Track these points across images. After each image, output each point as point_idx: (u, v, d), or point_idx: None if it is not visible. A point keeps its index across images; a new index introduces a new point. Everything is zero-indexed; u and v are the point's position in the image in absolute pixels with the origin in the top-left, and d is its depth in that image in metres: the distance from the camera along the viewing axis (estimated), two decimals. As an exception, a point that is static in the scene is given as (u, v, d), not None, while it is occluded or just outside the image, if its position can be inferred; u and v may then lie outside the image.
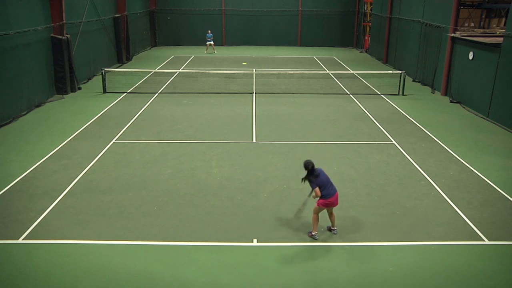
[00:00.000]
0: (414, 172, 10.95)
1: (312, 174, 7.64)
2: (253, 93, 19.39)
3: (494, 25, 20.15)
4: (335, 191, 7.78)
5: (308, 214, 8.45)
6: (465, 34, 18.26)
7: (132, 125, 14.60)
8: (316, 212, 7.88)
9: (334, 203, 7.82)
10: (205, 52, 32.59)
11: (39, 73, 17.00)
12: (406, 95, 19.40)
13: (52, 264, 7.15)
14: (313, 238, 7.97)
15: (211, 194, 9.67)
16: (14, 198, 9.35)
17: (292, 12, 37.26)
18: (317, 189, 7.60)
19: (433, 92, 20.15)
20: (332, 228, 8.23)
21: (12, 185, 9.95)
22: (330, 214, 8.12)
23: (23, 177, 10.41)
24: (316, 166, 7.76)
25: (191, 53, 32.53)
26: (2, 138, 13.16)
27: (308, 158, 7.94)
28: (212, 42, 32.41)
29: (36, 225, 8.31)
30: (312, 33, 37.75)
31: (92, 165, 11.20)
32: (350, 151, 12.34)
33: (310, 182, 7.67)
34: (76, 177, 10.44)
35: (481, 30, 19.04)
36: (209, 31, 32.98)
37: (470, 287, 6.74)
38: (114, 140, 13.05)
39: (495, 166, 11.45)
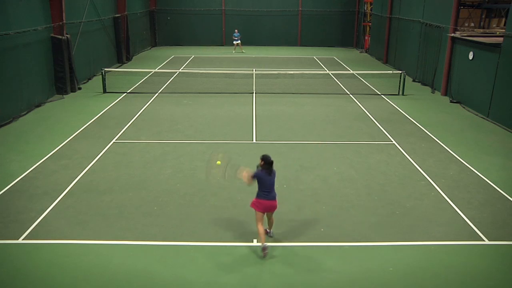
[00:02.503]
0: (414, 172, 10.95)
1: (268, 167, 7.25)
2: (253, 93, 19.39)
3: (494, 25, 20.15)
4: (271, 198, 7.36)
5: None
6: (465, 34, 18.25)
7: (132, 125, 14.60)
8: (257, 220, 7.43)
9: (267, 209, 7.46)
10: (233, 51, 32.87)
11: (39, 73, 17.00)
12: (406, 95, 19.40)
13: (52, 264, 7.14)
14: (263, 251, 7.35)
15: (211, 194, 9.67)
16: (14, 198, 9.34)
17: (292, 12, 37.26)
18: (250, 178, 7.27)
19: (433, 92, 20.15)
20: (268, 230, 7.93)
21: (12, 185, 9.95)
22: (269, 219, 7.77)
23: (23, 177, 10.41)
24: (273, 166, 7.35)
25: (191, 53, 32.54)
26: (2, 138, 13.16)
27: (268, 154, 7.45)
28: (239, 41, 32.69)
29: (36, 225, 8.31)
30: (312, 33, 37.74)
31: (92, 165, 11.20)
32: (350, 151, 12.34)
33: (258, 168, 7.32)
34: (76, 177, 10.44)
35: (481, 30, 19.03)
36: (236, 30, 33.21)
37: (470, 287, 6.74)
38: (114, 140, 13.05)
39: (495, 166, 11.45)
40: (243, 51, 32.92)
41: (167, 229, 8.27)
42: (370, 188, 10.06)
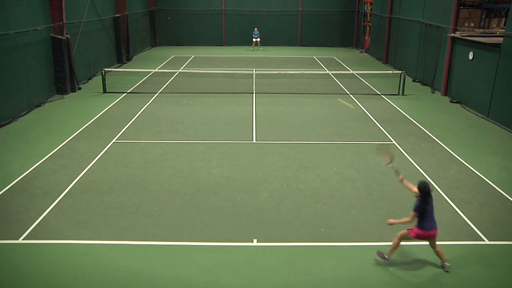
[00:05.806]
0: (414, 172, 10.95)
1: (428, 196, 6.75)
2: (253, 93, 19.39)
3: (494, 25, 20.14)
4: (435, 225, 6.88)
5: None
6: (465, 34, 18.25)
7: (132, 125, 14.60)
8: (401, 238, 7.08)
9: (430, 238, 6.97)
10: (251, 49, 33.57)
11: (39, 73, 16.99)
12: (406, 95, 19.39)
13: (52, 264, 7.15)
14: (384, 261, 7.21)
15: (211, 194, 9.67)
16: (14, 198, 9.35)
17: (292, 12, 37.25)
18: (413, 213, 6.81)
19: (433, 92, 20.15)
20: (443, 264, 7.16)
21: (12, 185, 9.95)
22: (434, 248, 7.13)
23: (23, 177, 10.41)
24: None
25: (191, 53, 32.53)
26: (2, 138, 13.16)
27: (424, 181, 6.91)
28: (258, 39, 33.40)
29: (36, 225, 8.31)
30: (312, 33, 37.72)
31: (92, 165, 11.20)
32: (350, 151, 12.34)
33: (418, 202, 6.78)
34: (76, 177, 10.44)
35: (481, 30, 19.03)
36: (256, 28, 34.00)
37: (470, 287, 6.74)
38: (114, 140, 13.05)
39: (495, 166, 11.45)
40: (261, 49, 33.50)
41: (167, 229, 8.27)
42: (370, 188, 10.06)
